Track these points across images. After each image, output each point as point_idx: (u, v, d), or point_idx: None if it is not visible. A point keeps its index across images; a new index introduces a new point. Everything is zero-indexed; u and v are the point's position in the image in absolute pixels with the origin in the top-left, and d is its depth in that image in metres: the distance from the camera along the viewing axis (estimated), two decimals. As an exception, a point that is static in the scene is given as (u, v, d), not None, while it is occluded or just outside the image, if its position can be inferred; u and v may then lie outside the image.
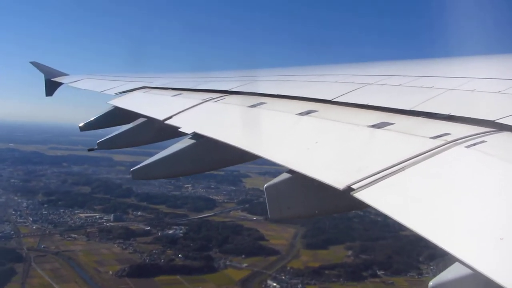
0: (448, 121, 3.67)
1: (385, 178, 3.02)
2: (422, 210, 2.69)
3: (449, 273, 2.40)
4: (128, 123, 7.82)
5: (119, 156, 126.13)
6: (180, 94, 7.90)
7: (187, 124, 6.00)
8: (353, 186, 3.05)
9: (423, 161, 3.07)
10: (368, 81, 5.40)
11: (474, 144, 3.08)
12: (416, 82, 4.92)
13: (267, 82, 7.27)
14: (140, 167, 5.75)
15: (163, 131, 6.91)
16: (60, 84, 14.79)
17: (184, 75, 10.65)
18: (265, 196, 3.85)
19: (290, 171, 3.85)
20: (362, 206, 3.09)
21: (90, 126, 9.44)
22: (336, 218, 73.56)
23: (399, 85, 4.98)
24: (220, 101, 6.62)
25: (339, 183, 3.14)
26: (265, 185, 3.89)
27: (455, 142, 3.19)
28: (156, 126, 7.02)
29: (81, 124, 9.45)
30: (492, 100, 3.85)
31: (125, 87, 9.89)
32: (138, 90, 9.44)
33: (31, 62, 16.10)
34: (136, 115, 7.64)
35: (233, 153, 5.06)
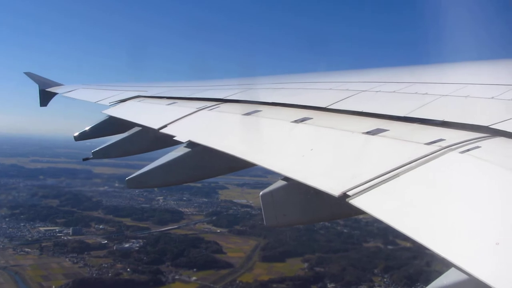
0: (443, 127, 3.68)
1: (380, 185, 3.02)
2: (417, 216, 2.69)
3: (446, 279, 2.40)
4: (123, 132, 7.81)
5: (99, 168, 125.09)
6: (175, 102, 7.90)
7: (182, 132, 5.99)
8: (348, 193, 3.05)
9: (418, 167, 3.08)
10: (362, 88, 5.41)
11: (468, 150, 3.09)
12: (410, 88, 4.94)
13: (262, 90, 7.28)
14: (135, 176, 5.74)
15: (158, 140, 6.91)
16: (54, 94, 14.77)
17: (178, 83, 10.66)
18: (261, 203, 3.85)
19: (285, 178, 3.85)
20: (358, 212, 3.09)
21: (85, 135, 9.42)
22: (300, 230, 73.10)
23: (393, 91, 4.99)
24: (215, 109, 6.62)
25: (335, 190, 3.14)
26: (261, 193, 3.89)
27: (449, 147, 3.19)
28: (151, 135, 7.02)
29: (76, 134, 9.44)
30: (486, 105, 3.87)
31: (119, 97, 9.89)
32: (132, 100, 9.44)
33: (25, 73, 16.09)
34: (131, 124, 7.63)
35: (228, 161, 5.06)
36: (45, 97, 15.13)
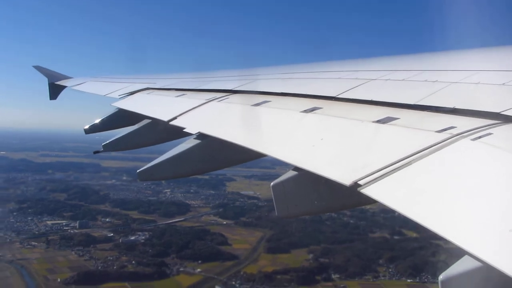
0: (453, 114, 3.66)
1: (392, 173, 3.02)
2: (430, 204, 2.69)
3: (459, 266, 2.40)
4: (133, 124, 7.84)
5: (107, 162, 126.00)
6: (184, 94, 7.91)
7: (191, 124, 6.01)
8: (359, 182, 3.05)
9: (430, 155, 3.07)
10: (372, 77, 5.39)
11: (480, 137, 3.07)
12: (419, 76, 4.91)
13: (270, 80, 7.27)
14: (146, 168, 5.77)
15: (168, 132, 6.93)
16: (63, 87, 14.85)
17: (187, 75, 10.66)
18: (272, 194, 3.86)
19: (296, 168, 3.86)
20: (369, 201, 3.09)
21: (95, 128, 9.47)
22: (306, 221, 73.04)
23: (403, 79, 4.97)
24: (224, 100, 6.62)
25: (346, 179, 3.14)
26: (272, 183, 3.90)
27: (461, 135, 3.18)
28: (160, 127, 7.04)
29: (86, 127, 9.48)
30: (497, 92, 3.84)
31: (128, 89, 9.92)
32: (141, 92, 9.46)
33: (34, 66, 16.17)
34: (141, 117, 7.66)
35: (238, 152, 5.07)
36: (55, 91, 15.22)
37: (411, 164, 3.04)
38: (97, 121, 9.44)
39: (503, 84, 3.88)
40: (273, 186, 3.88)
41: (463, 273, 2.36)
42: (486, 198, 2.53)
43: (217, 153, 5.63)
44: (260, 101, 5.82)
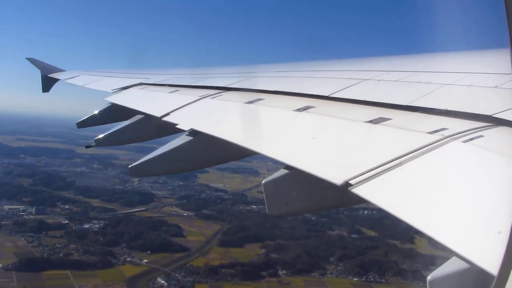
0: (445, 116, 3.68)
1: (383, 173, 3.03)
2: (420, 205, 2.70)
3: (447, 267, 2.41)
4: (126, 120, 7.82)
5: (83, 148, 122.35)
6: (177, 90, 7.90)
7: (184, 120, 6.00)
8: (351, 182, 3.06)
9: (421, 156, 3.08)
10: (365, 77, 5.40)
11: (471, 139, 3.09)
12: (413, 77, 4.93)
13: (264, 78, 7.27)
14: (138, 164, 5.76)
15: (160, 127, 6.91)
16: (56, 80, 14.77)
17: (181, 71, 10.64)
18: (263, 192, 3.86)
19: (287, 167, 3.86)
20: (360, 201, 3.10)
21: (87, 123, 9.44)
22: (267, 215, 72.15)
23: (396, 80, 4.99)
24: (217, 97, 6.62)
25: (337, 179, 3.15)
26: (263, 181, 3.90)
27: (452, 137, 3.20)
28: (153, 123, 7.02)
29: (78, 121, 9.45)
30: (489, 95, 3.86)
31: (122, 84, 9.88)
32: (135, 87, 9.44)
33: (28, 59, 16.09)
34: (134, 112, 7.64)
35: (230, 149, 5.07)
36: (48, 83, 15.15)
37: (402, 164, 3.05)
38: (89, 115, 9.42)
39: (495, 87, 3.90)
40: (264, 184, 3.88)
41: (450, 274, 2.37)
42: (475, 199, 2.54)
43: (209, 150, 5.62)
44: (254, 99, 5.82)
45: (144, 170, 5.84)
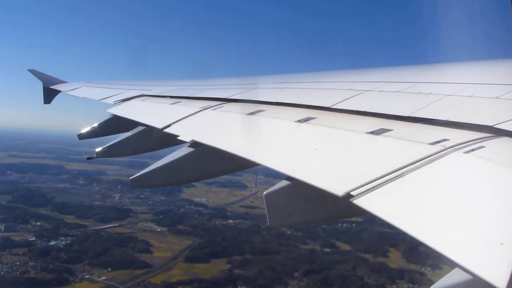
0: (447, 126, 3.68)
1: (384, 185, 3.02)
2: (422, 216, 2.69)
3: (450, 279, 2.39)
4: (127, 131, 7.82)
5: (73, 164, 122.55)
6: (179, 102, 7.91)
7: (186, 132, 6.00)
8: (352, 193, 3.05)
9: (422, 167, 3.07)
10: (366, 88, 5.41)
11: (473, 150, 3.08)
12: (414, 88, 4.93)
13: (266, 90, 7.28)
14: (139, 175, 5.75)
15: (162, 139, 6.92)
16: (58, 92, 14.81)
17: (182, 82, 10.66)
18: (264, 203, 3.85)
19: (289, 178, 3.85)
20: (361, 212, 3.09)
21: (89, 134, 9.45)
22: (241, 230, 71.56)
23: (397, 91, 4.99)
24: (219, 109, 6.62)
25: (338, 190, 3.14)
26: (264, 193, 3.89)
27: (453, 147, 3.19)
28: (155, 135, 7.03)
29: (79, 133, 9.46)
30: (490, 105, 3.86)
31: (123, 95, 9.90)
32: (136, 98, 9.45)
33: (29, 70, 16.14)
34: (135, 124, 7.64)
35: (232, 160, 5.07)
36: (49, 95, 15.20)
37: (403, 175, 3.04)
38: (91, 127, 9.42)
39: (497, 97, 3.90)
40: (265, 195, 3.87)
41: (452, 285, 2.36)
42: (477, 211, 2.53)
43: (210, 162, 5.62)
44: (255, 110, 5.82)
45: (145, 181, 5.83)
